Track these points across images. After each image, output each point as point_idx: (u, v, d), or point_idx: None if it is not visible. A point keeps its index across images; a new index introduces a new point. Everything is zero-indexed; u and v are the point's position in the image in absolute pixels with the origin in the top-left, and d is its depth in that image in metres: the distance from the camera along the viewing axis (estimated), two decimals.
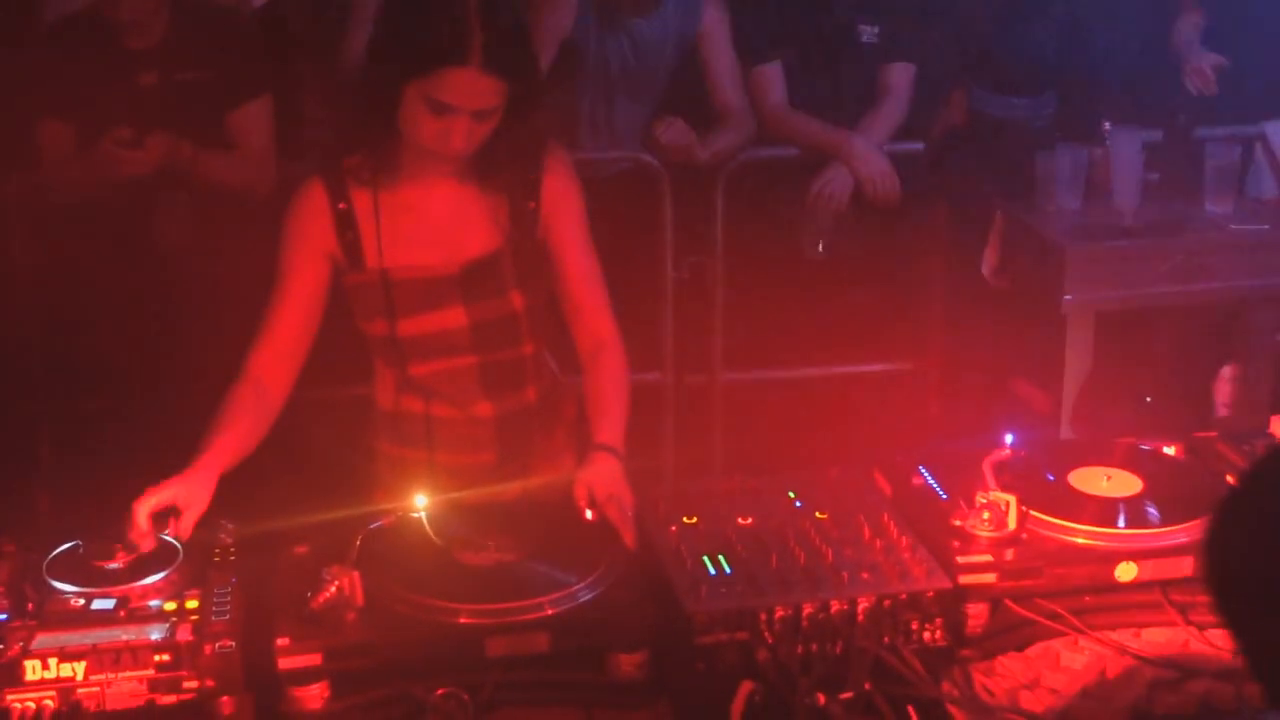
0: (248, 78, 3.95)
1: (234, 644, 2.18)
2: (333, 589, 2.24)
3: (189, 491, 2.47)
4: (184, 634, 2.18)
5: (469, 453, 2.88)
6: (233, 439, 2.63)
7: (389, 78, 2.60)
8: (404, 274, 2.75)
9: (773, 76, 4.57)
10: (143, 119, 3.77)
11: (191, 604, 2.26)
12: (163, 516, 2.43)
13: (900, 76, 4.61)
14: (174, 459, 3.88)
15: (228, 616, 2.23)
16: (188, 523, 2.44)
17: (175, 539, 2.41)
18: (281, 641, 2.19)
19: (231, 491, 2.79)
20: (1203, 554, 1.34)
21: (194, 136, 3.84)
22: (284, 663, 2.18)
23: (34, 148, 3.96)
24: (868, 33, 4.55)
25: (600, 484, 2.58)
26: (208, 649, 2.17)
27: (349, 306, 2.82)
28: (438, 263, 2.76)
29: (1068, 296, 4.18)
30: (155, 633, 2.19)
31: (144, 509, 2.39)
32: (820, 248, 4.49)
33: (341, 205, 2.73)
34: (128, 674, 2.14)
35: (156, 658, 2.15)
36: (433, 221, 2.76)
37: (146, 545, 2.37)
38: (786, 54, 4.56)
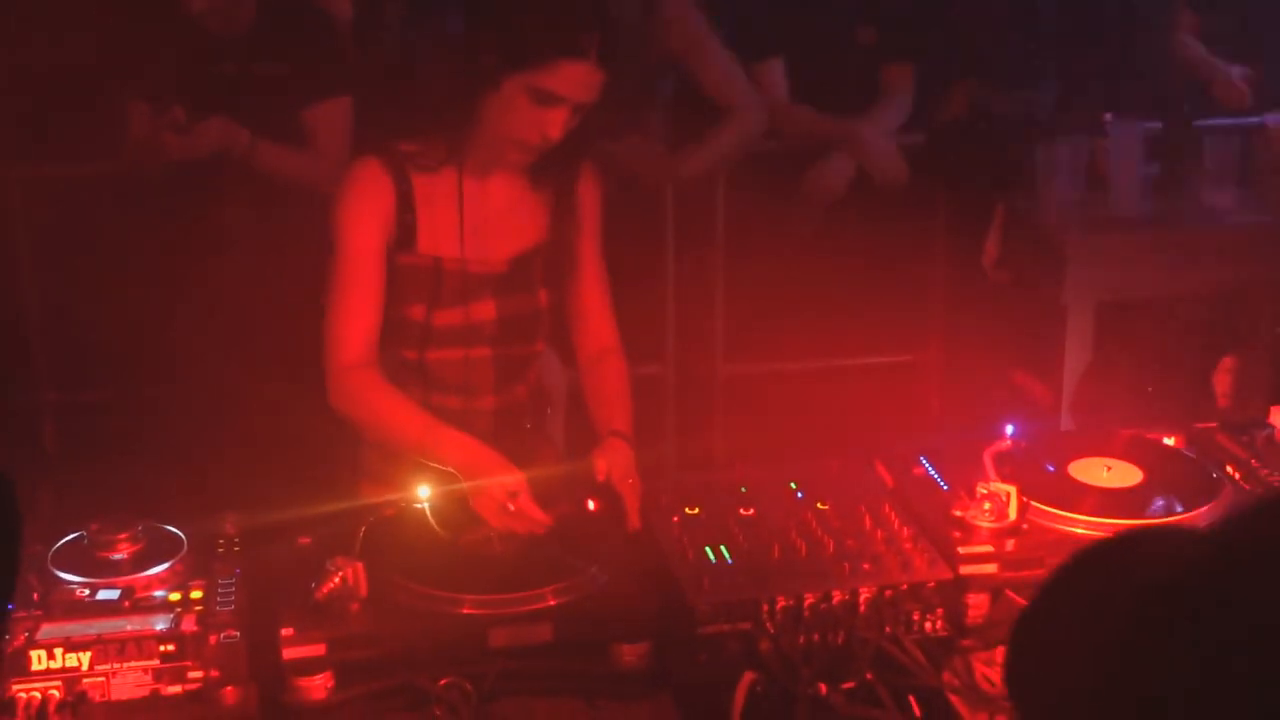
0: (327, 76, 3.90)
1: (238, 634, 2.19)
2: (337, 580, 2.24)
3: (504, 467, 2.57)
4: (189, 624, 2.19)
5: None
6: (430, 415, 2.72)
7: (490, 68, 2.59)
8: (456, 265, 2.75)
9: (773, 71, 4.55)
10: (213, 105, 3.74)
11: (196, 594, 2.26)
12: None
13: (900, 77, 4.62)
14: (175, 450, 3.92)
15: (232, 607, 2.24)
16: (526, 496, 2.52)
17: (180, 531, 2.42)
18: (286, 632, 2.19)
19: (227, 480, 2.81)
20: (1007, 659, 1.36)
21: (265, 128, 3.80)
22: (288, 653, 2.18)
23: (120, 128, 3.93)
24: (867, 33, 4.56)
25: (617, 465, 2.61)
26: (212, 639, 2.17)
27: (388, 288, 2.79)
28: (487, 256, 2.78)
29: (1068, 288, 4.18)
30: (160, 623, 2.19)
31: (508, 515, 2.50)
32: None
33: (404, 186, 2.72)
34: (133, 664, 2.15)
35: (161, 648, 2.16)
36: (487, 214, 2.78)
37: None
38: (786, 51, 4.54)
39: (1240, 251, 4.26)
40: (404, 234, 2.73)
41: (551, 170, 2.78)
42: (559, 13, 2.58)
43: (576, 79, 2.57)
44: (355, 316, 2.71)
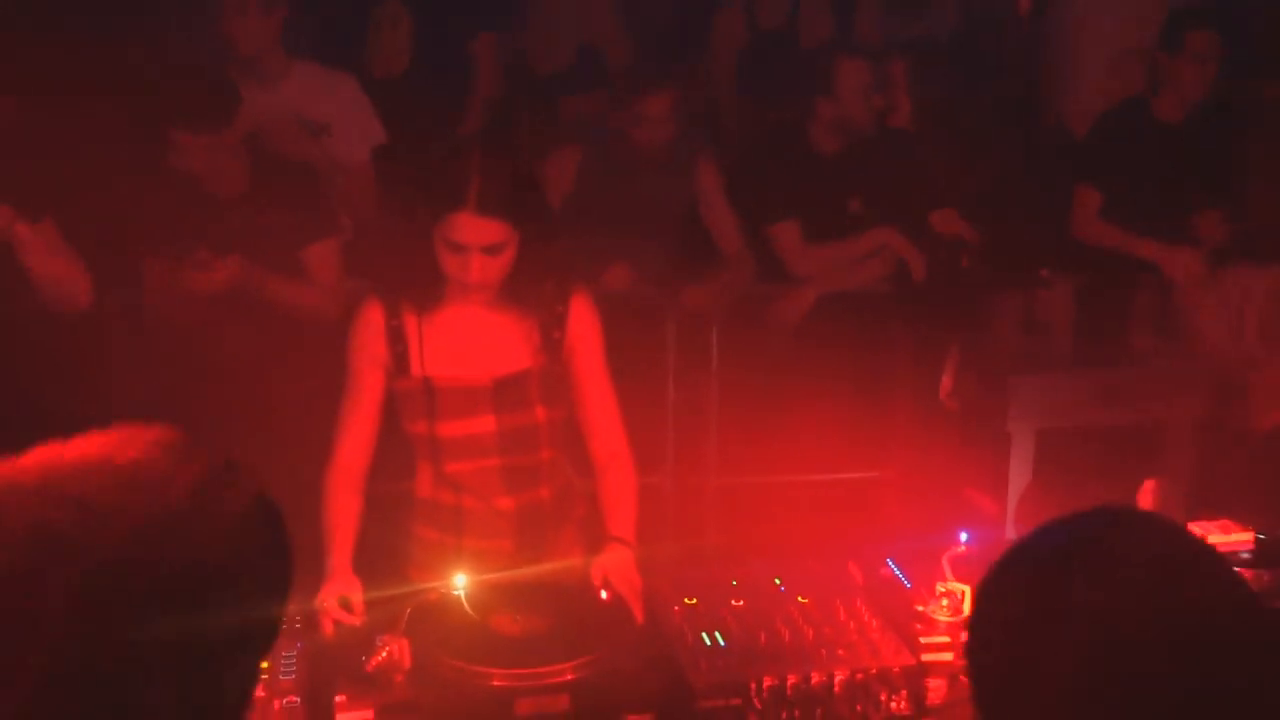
0: (319, 222, 3.96)
1: (299, 700, 2.19)
2: (384, 654, 2.25)
3: (346, 586, 2.56)
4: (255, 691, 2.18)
5: (491, 539, 2.90)
6: (349, 532, 2.74)
7: (421, 225, 2.69)
8: (443, 382, 2.80)
9: (791, 228, 4.65)
10: (222, 250, 3.78)
11: (262, 664, 2.25)
12: None
13: (880, 239, 4.72)
14: None
15: (293, 676, 2.25)
16: (359, 606, 2.51)
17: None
18: (340, 699, 2.20)
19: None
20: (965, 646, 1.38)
21: (268, 266, 3.85)
22: (341, 718, 2.18)
23: (136, 276, 3.97)
24: (856, 204, 4.67)
25: (613, 569, 2.62)
26: (276, 704, 2.18)
27: (396, 409, 2.86)
28: (472, 375, 2.80)
29: (1011, 418, 4.21)
30: None
31: (329, 614, 2.48)
32: None
33: (394, 322, 2.79)
34: None
35: None
36: (470, 341, 2.81)
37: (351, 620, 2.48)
38: (795, 217, 4.64)
39: (1160, 388, 4.29)
40: (398, 362, 2.80)
41: (529, 300, 2.80)
42: (441, 174, 2.67)
43: (466, 227, 2.62)
44: (347, 432, 2.83)
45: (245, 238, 3.80)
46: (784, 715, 2.24)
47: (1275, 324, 4.50)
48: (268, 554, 1.27)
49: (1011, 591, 1.32)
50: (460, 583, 2.51)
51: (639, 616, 2.50)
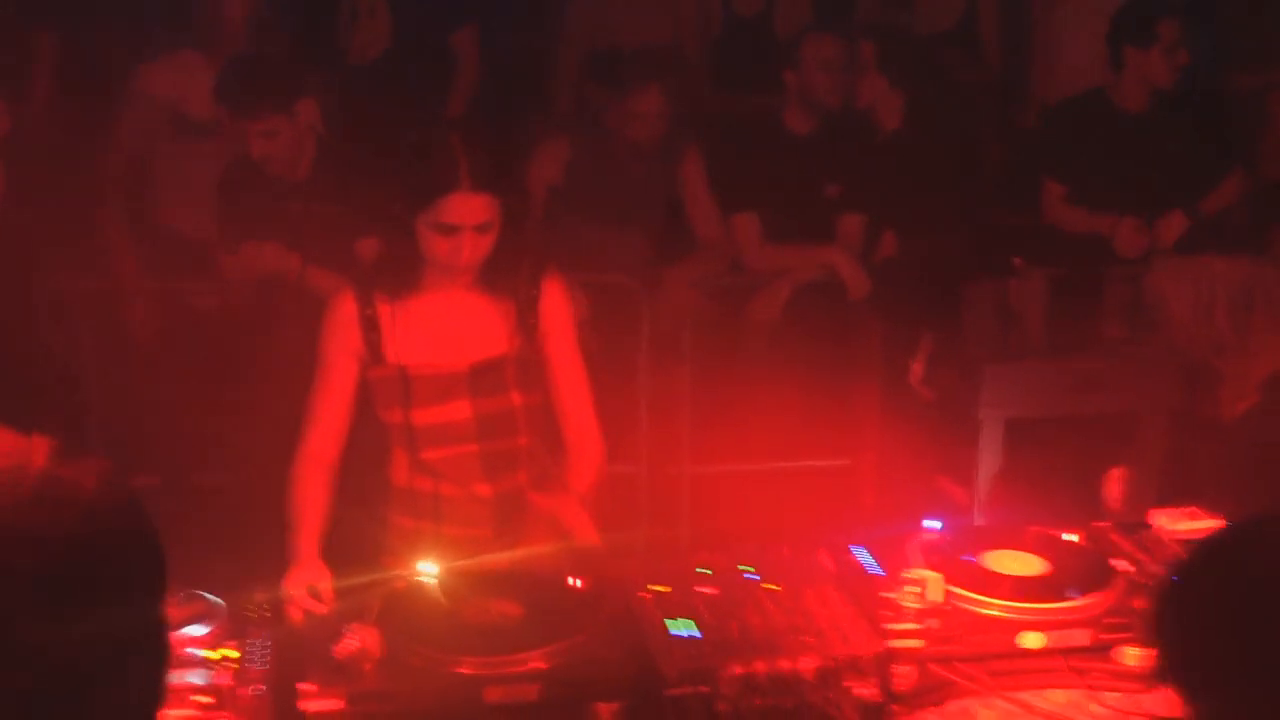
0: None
1: (267, 689, 2.19)
2: (354, 642, 2.24)
3: (314, 574, 2.56)
4: (224, 679, 2.19)
5: (469, 526, 2.90)
6: (317, 520, 2.74)
7: (402, 215, 2.68)
8: (419, 370, 2.80)
9: (750, 221, 4.65)
10: (281, 236, 3.77)
11: (231, 653, 2.26)
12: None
13: (852, 225, 4.73)
14: (216, 529, 3.91)
15: (262, 665, 2.24)
16: (327, 594, 2.50)
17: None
18: (309, 688, 2.19)
19: (262, 556, 2.81)
20: (1155, 630, 1.41)
21: (323, 256, 3.81)
22: (312, 706, 2.17)
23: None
24: (831, 189, 4.69)
25: (559, 507, 2.73)
26: (244, 693, 2.17)
27: (370, 397, 2.85)
28: (448, 362, 2.81)
29: (982, 406, 4.23)
30: (199, 677, 2.19)
31: (296, 603, 2.48)
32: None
33: (368, 311, 2.80)
34: (175, 713, 2.13)
35: (201, 699, 2.15)
36: (445, 327, 2.82)
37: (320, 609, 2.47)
38: (763, 203, 4.64)
39: (1131, 377, 4.31)
40: (372, 352, 2.81)
41: (507, 281, 2.81)
42: (429, 160, 2.67)
43: (460, 207, 2.64)
44: (318, 421, 2.83)
45: (306, 225, 3.78)
46: (755, 703, 2.24)
47: (1246, 313, 4.53)
48: (128, 538, 1.23)
49: (1216, 583, 1.35)
50: (431, 570, 2.50)
51: (595, 539, 2.53)
